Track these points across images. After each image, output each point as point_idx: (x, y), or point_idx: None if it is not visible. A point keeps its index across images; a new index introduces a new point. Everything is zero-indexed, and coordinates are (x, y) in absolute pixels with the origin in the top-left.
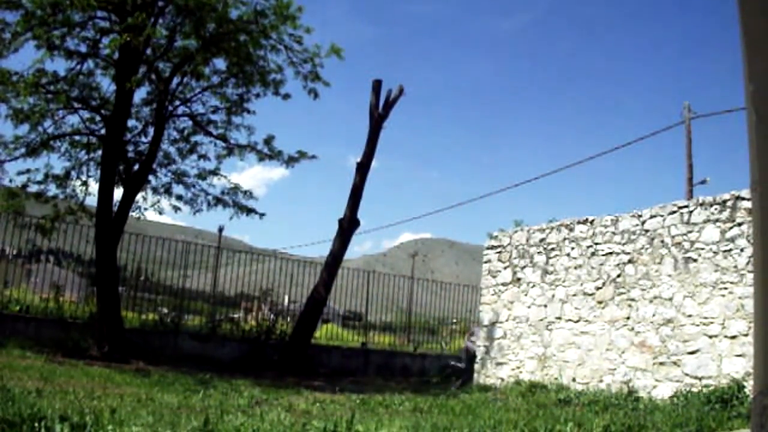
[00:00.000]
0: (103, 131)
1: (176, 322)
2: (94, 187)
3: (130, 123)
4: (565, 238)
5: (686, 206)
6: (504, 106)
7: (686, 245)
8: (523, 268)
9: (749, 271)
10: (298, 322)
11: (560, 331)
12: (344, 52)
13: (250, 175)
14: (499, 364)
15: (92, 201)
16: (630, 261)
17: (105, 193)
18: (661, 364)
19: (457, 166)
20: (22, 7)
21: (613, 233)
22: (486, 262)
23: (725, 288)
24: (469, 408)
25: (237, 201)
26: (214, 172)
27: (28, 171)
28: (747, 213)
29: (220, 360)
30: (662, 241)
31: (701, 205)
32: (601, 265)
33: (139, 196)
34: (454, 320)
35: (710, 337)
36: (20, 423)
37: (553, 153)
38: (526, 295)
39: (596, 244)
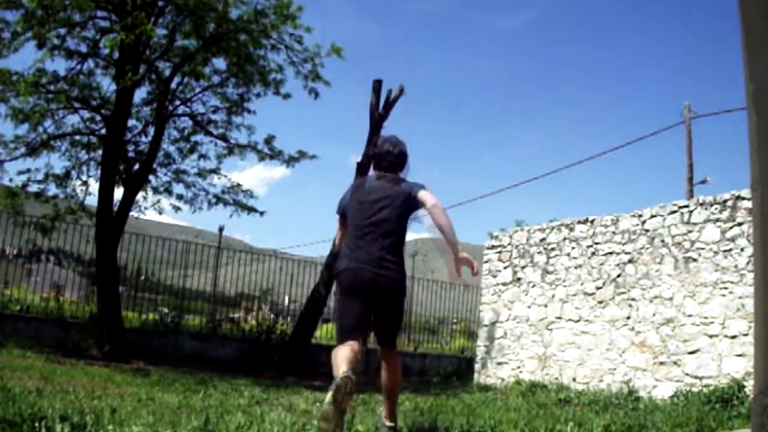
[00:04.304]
0: (103, 131)
1: (176, 322)
2: (94, 186)
3: (131, 123)
4: (565, 238)
5: (686, 206)
6: (505, 105)
7: (686, 245)
8: (523, 267)
9: (749, 271)
10: (298, 322)
11: (560, 331)
12: (345, 52)
13: (252, 174)
14: (499, 363)
15: (92, 201)
16: (630, 261)
17: (105, 193)
18: (662, 363)
19: (457, 166)
20: (22, 7)
21: (614, 233)
22: (486, 262)
23: (725, 288)
24: (470, 408)
25: (237, 200)
26: (215, 171)
27: (28, 170)
28: (747, 213)
29: (220, 360)
30: (662, 241)
31: (701, 204)
32: (602, 264)
33: (139, 196)
34: (455, 320)
35: (710, 336)
36: (20, 423)
37: (553, 153)
38: (526, 294)
39: (596, 243)
